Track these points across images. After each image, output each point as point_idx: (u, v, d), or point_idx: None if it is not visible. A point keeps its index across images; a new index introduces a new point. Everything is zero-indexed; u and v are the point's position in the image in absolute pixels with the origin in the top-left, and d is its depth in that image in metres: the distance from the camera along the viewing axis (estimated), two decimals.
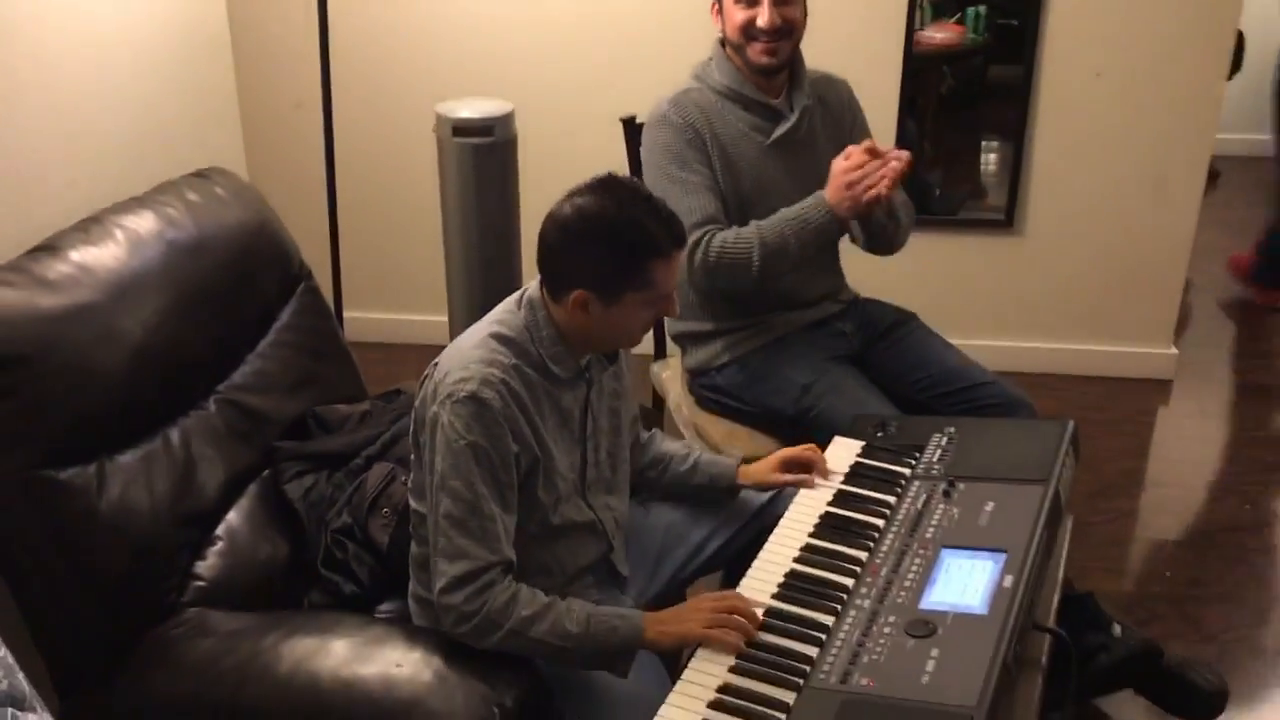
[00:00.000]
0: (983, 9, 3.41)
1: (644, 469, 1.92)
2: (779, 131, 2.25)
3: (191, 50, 2.58)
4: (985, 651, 1.44)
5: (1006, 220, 3.41)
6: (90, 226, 1.79)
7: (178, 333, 1.80)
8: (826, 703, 1.40)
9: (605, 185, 1.62)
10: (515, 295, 1.71)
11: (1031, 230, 3.41)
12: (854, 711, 1.38)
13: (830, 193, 2.11)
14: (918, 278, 2.91)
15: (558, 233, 1.61)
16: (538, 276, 1.68)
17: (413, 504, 1.74)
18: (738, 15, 2.16)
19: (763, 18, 2.13)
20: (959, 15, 3.35)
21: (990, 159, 3.57)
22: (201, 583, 1.74)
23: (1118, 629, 2.21)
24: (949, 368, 2.31)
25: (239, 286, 1.97)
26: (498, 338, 1.63)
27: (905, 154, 2.08)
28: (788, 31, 2.16)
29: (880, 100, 3.20)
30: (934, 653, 1.45)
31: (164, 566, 1.70)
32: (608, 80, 3.23)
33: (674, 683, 1.48)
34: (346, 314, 2.88)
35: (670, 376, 2.55)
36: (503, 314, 1.68)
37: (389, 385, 2.33)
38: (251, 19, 3.19)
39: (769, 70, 2.20)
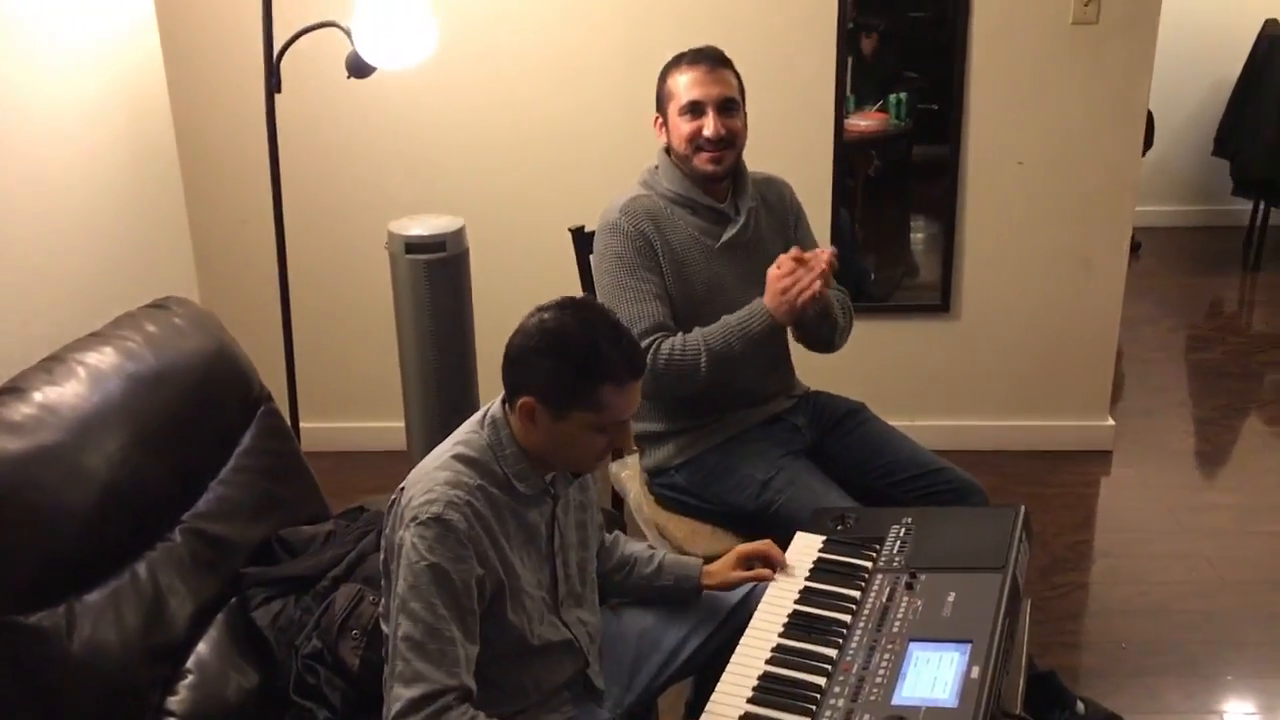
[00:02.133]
0: (904, 95, 3.57)
1: (609, 572, 1.95)
2: (727, 235, 2.33)
3: (142, 178, 2.60)
4: None
5: (942, 304, 3.52)
6: (52, 365, 1.79)
7: (142, 466, 1.80)
8: None
9: (574, 304, 1.67)
10: (478, 414, 1.74)
11: (967, 312, 3.52)
12: None
13: (768, 299, 2.20)
14: (859, 362, 2.99)
15: (519, 340, 1.66)
16: (500, 394, 1.72)
17: (384, 628, 1.74)
18: (684, 127, 2.25)
19: (709, 128, 2.22)
20: (881, 103, 3.50)
21: (919, 238, 3.69)
22: (174, 717, 1.72)
23: (1081, 706, 2.26)
24: (902, 456, 2.38)
25: (200, 415, 1.98)
26: (461, 459, 1.66)
27: (829, 250, 2.19)
28: (731, 140, 2.26)
29: (815, 188, 3.31)
30: None
31: (135, 705, 1.68)
32: (555, 192, 3.32)
33: None
34: (303, 425, 2.89)
35: (629, 476, 2.58)
36: (466, 434, 1.71)
37: (347, 494, 2.34)
38: (199, 142, 3.24)
39: (716, 178, 2.29)
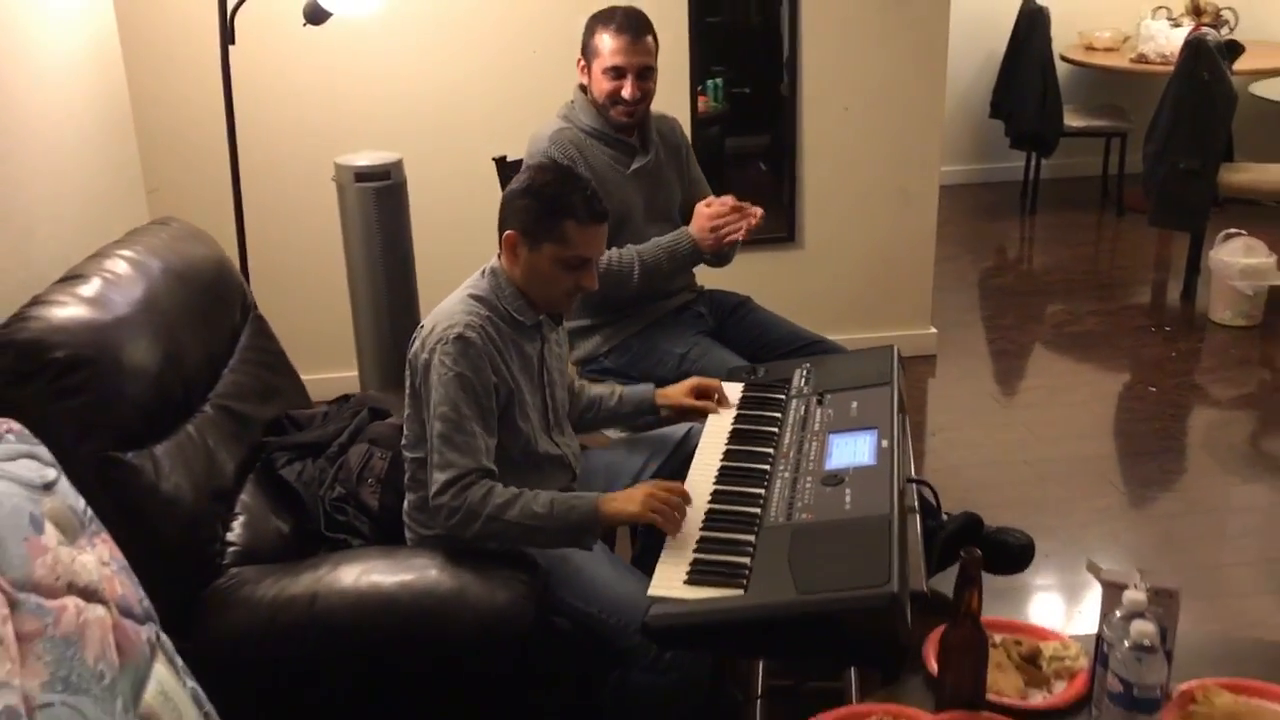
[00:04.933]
0: (720, 81, 4.12)
1: (582, 412, 2.37)
2: (636, 164, 2.77)
3: (96, 125, 2.77)
4: (884, 484, 1.96)
5: (789, 236, 4.07)
6: (97, 261, 2.07)
7: (182, 346, 2.09)
8: (781, 534, 1.88)
9: (553, 164, 2.12)
10: (481, 269, 2.13)
11: (809, 242, 4.08)
12: (803, 534, 1.87)
13: (696, 230, 2.68)
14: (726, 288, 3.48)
15: (509, 188, 2.10)
16: (498, 248, 2.12)
17: (409, 455, 2.11)
18: (606, 85, 2.66)
19: (627, 90, 2.65)
20: (701, 88, 4.00)
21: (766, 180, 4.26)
22: (236, 547, 2.02)
23: (944, 515, 2.80)
24: (786, 333, 2.89)
25: (215, 309, 2.28)
26: (473, 297, 2.06)
27: (760, 211, 2.68)
28: (645, 99, 2.70)
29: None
30: (847, 493, 1.96)
31: (207, 533, 1.98)
32: (481, 128, 3.64)
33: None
34: None
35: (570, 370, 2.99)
36: (472, 283, 2.11)
37: None
38: (152, 91, 3.40)
39: (628, 129, 2.73)
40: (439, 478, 1.94)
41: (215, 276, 2.32)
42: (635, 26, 2.67)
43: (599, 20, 2.69)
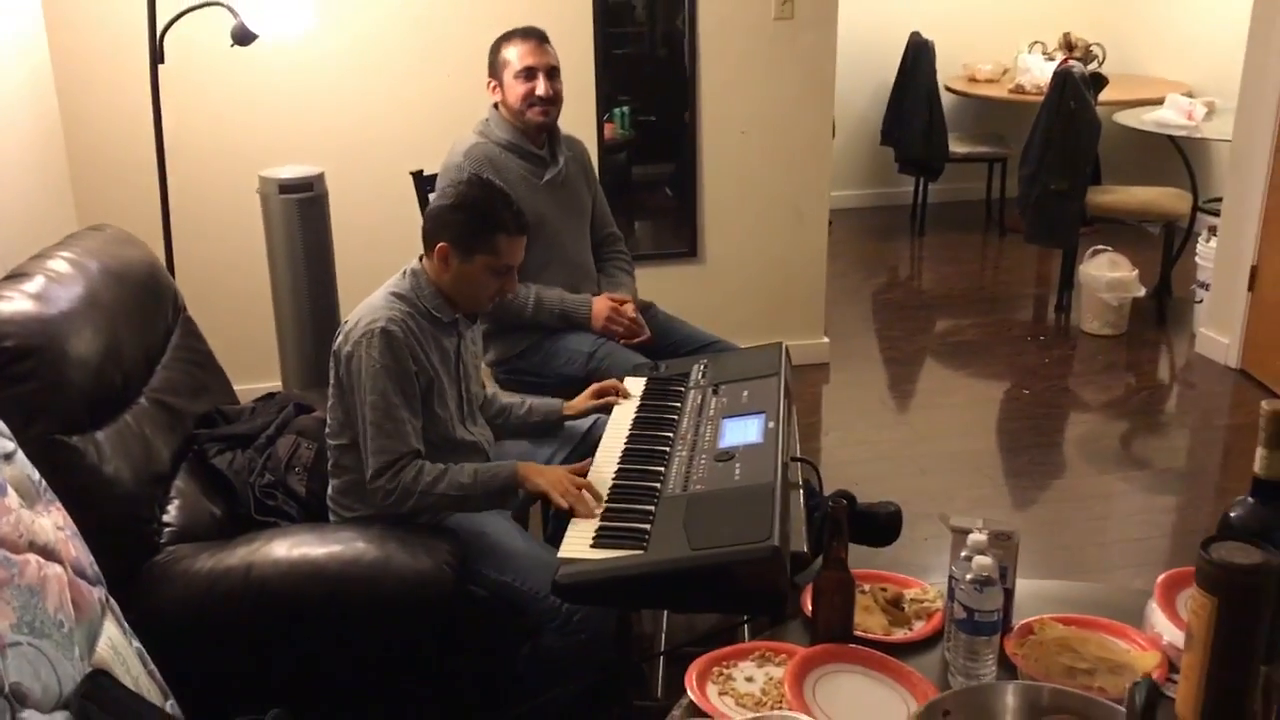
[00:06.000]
0: (626, 109, 4.36)
1: (492, 418, 2.55)
2: (549, 175, 2.99)
3: (26, 139, 2.92)
4: (770, 459, 2.18)
5: (690, 251, 4.32)
6: (39, 261, 2.20)
7: (120, 340, 2.23)
8: (677, 503, 2.09)
9: (480, 181, 2.32)
10: (402, 270, 2.31)
11: (710, 257, 4.33)
12: (698, 502, 2.08)
13: (598, 307, 2.95)
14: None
15: (437, 203, 2.30)
16: (416, 255, 2.30)
17: (332, 443, 2.28)
18: (519, 88, 2.89)
19: (541, 88, 2.88)
20: (608, 116, 4.24)
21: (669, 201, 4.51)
22: (172, 527, 2.17)
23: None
24: (687, 334, 3.14)
25: (150, 308, 2.43)
26: (395, 295, 2.25)
27: (649, 334, 2.99)
28: (556, 99, 2.93)
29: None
30: (738, 467, 2.18)
31: (145, 513, 2.13)
32: (399, 143, 3.82)
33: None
34: None
35: (485, 373, 3.17)
36: (393, 283, 2.30)
37: None
38: (82, 107, 3.52)
39: (545, 128, 2.95)
40: (374, 463, 2.13)
41: (149, 277, 2.46)
42: (538, 34, 2.92)
43: (503, 39, 2.93)
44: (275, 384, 3.38)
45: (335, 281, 3.22)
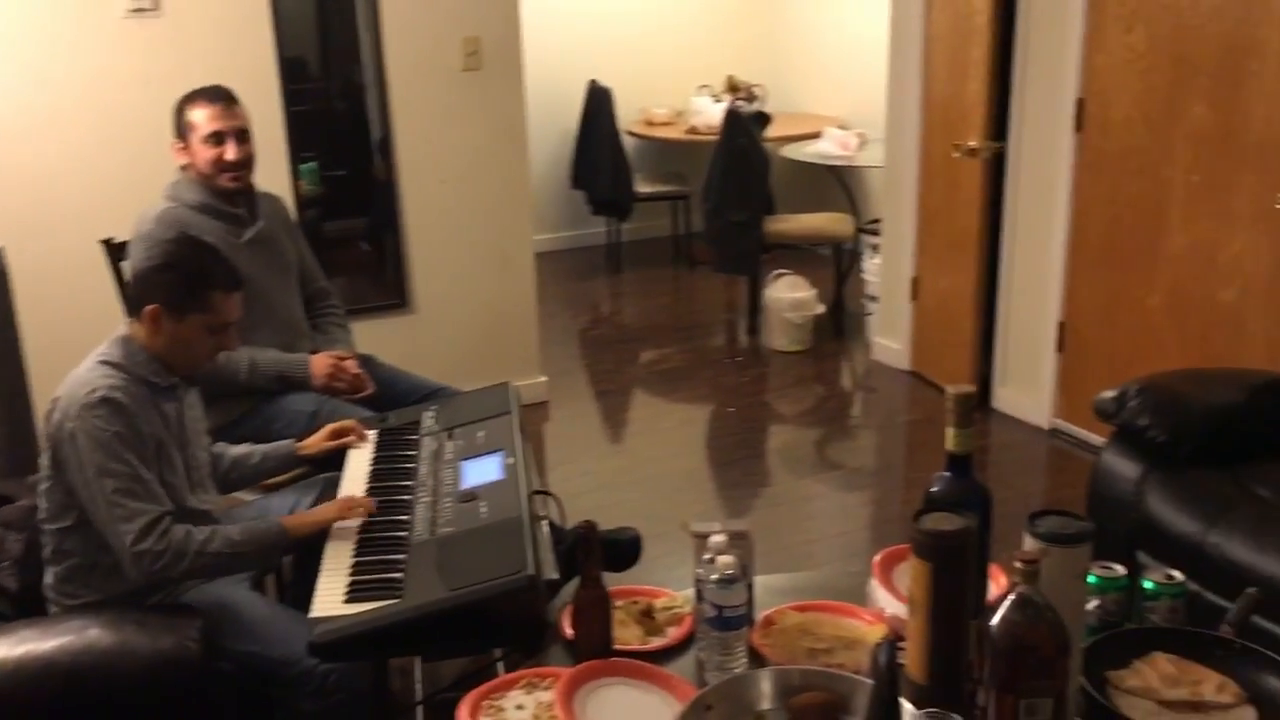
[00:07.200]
0: (314, 165, 4.33)
1: (225, 474, 2.47)
2: (249, 234, 2.92)
3: None
4: (514, 493, 2.24)
5: (402, 303, 4.32)
6: None
7: None
8: (428, 548, 2.11)
9: (187, 239, 2.26)
10: (110, 338, 2.20)
11: (422, 306, 4.34)
12: (449, 544, 2.11)
13: (317, 366, 2.90)
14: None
15: (142, 265, 2.21)
16: (123, 323, 2.21)
17: (49, 528, 2.13)
18: (208, 154, 2.81)
19: (230, 154, 2.81)
20: (297, 172, 4.19)
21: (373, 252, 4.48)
22: None
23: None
24: (411, 385, 3.14)
25: None
26: (105, 363, 2.14)
27: (373, 388, 2.97)
28: (248, 163, 2.87)
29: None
30: (483, 505, 2.22)
31: None
32: (86, 213, 3.58)
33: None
34: None
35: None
36: (102, 351, 2.18)
37: None
38: None
39: (238, 194, 2.87)
40: (132, 528, 2.01)
41: None
42: (224, 96, 2.85)
43: (187, 100, 2.84)
44: None
45: (23, 362, 2.99)
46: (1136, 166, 3.77)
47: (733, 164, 5.26)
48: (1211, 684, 1.65)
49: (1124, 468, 2.78)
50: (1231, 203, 3.49)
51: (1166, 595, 1.82)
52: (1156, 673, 1.68)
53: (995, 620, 1.46)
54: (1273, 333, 3.42)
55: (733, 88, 6.68)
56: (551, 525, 3.01)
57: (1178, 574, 1.86)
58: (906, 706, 1.48)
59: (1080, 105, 3.91)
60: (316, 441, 2.55)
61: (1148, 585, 1.83)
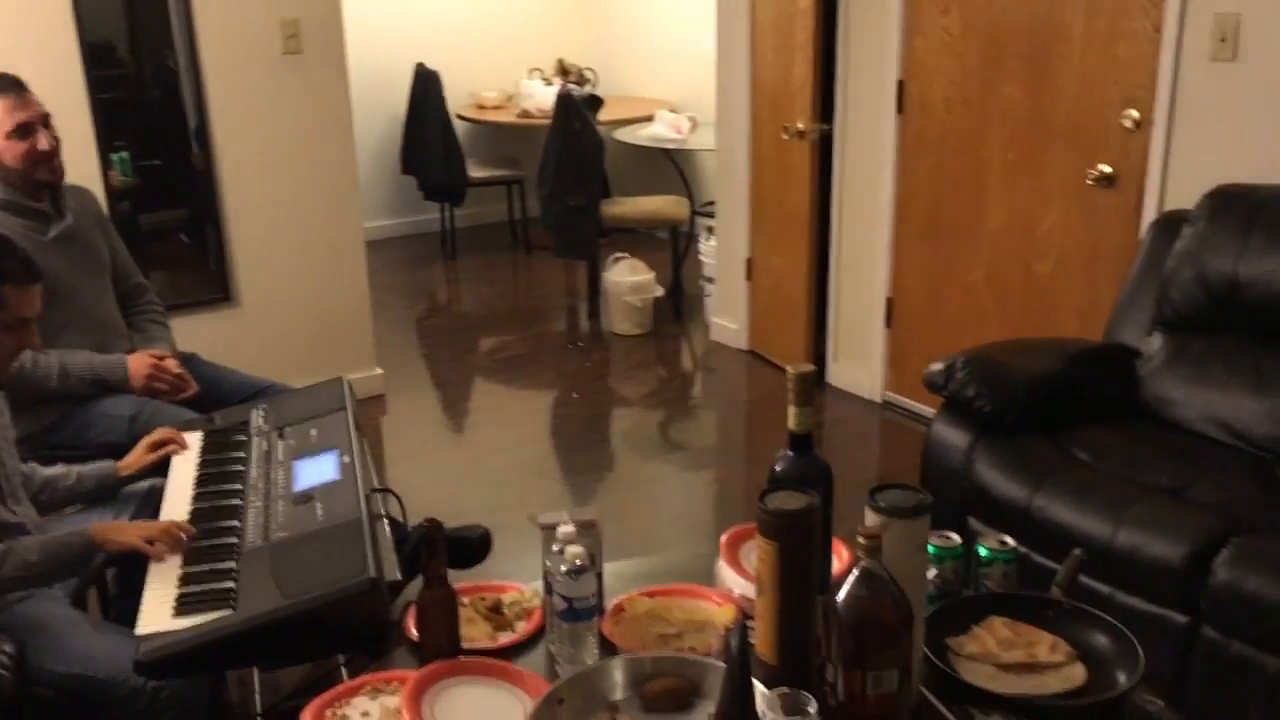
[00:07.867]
0: (126, 154, 4.10)
1: (36, 495, 2.30)
2: (55, 230, 2.74)
3: None
4: (351, 493, 2.16)
5: (225, 296, 4.13)
6: None
7: None
8: (261, 555, 2.01)
9: None
10: None
11: (247, 299, 4.16)
12: (283, 549, 2.02)
13: (135, 366, 2.76)
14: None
15: None
16: None
17: None
18: (18, 147, 2.63)
19: (43, 142, 2.63)
20: (107, 162, 3.96)
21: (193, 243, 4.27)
22: None
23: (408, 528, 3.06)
24: (237, 383, 3.02)
25: None
26: None
27: (196, 388, 2.84)
28: (57, 150, 2.68)
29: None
30: (319, 507, 2.14)
31: None
32: None
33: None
34: None
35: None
36: None
37: None
38: None
39: (55, 184, 2.69)
40: None
41: None
42: (15, 84, 2.67)
43: None
44: None
45: None
46: (956, 146, 3.90)
47: (567, 148, 5.22)
48: (1045, 645, 1.72)
49: (953, 437, 2.88)
50: (1045, 179, 3.65)
51: (1000, 561, 1.89)
52: (994, 637, 1.73)
53: (841, 596, 1.48)
54: (1084, 303, 3.60)
55: (563, 71, 6.64)
56: (393, 523, 2.94)
57: (1009, 540, 1.92)
58: (759, 687, 1.48)
59: (901, 87, 4.03)
60: (137, 458, 2.41)
61: (983, 552, 1.89)
